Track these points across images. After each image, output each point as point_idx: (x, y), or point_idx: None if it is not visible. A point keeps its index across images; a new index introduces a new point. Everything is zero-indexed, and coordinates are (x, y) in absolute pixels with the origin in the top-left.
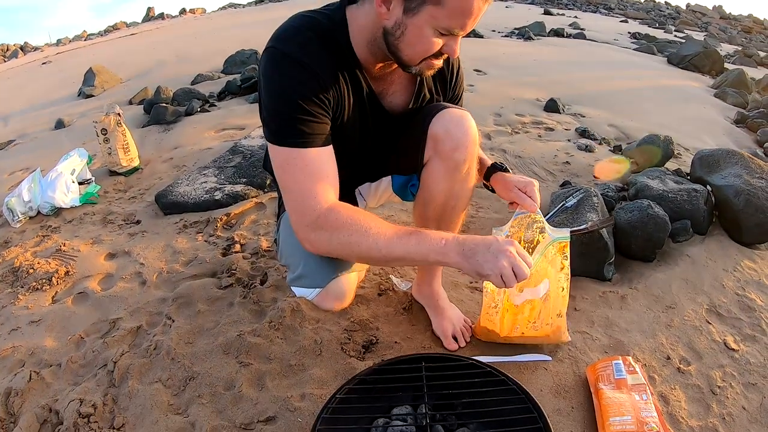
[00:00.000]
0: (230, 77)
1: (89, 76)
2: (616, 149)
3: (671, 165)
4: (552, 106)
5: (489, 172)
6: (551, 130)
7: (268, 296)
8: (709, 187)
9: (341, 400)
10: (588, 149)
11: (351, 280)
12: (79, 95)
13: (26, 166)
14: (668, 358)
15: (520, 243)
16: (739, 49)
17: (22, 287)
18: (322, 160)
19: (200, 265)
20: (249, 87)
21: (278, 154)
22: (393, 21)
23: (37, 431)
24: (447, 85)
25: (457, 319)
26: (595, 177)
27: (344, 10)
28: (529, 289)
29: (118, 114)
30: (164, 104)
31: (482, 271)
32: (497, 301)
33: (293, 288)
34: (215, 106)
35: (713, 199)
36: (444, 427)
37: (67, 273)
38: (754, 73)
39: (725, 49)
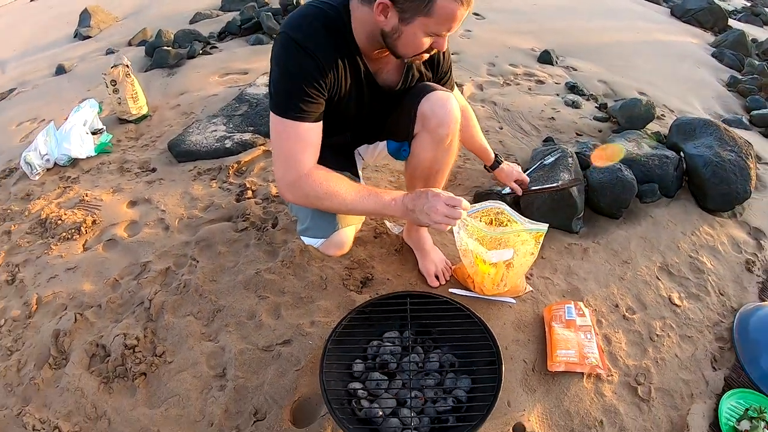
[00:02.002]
0: (229, 15)
1: (84, 17)
2: (602, 107)
3: (653, 126)
4: (546, 58)
5: (495, 165)
6: (542, 83)
7: (280, 238)
8: (682, 154)
9: (345, 326)
10: (575, 105)
11: (349, 232)
12: (75, 37)
13: (33, 117)
14: (616, 305)
15: (491, 223)
16: (748, 5)
17: (53, 237)
18: (311, 133)
19: (217, 211)
20: (249, 28)
21: (277, 122)
22: (390, 27)
23: (87, 364)
24: (434, 64)
25: (440, 261)
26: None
27: (347, 0)
28: (496, 252)
29: (127, 66)
30: (166, 47)
31: (421, 224)
32: (471, 259)
33: (302, 237)
34: (216, 48)
35: (684, 165)
36: (423, 348)
37: (94, 222)
38: (759, 33)
39: (734, 3)
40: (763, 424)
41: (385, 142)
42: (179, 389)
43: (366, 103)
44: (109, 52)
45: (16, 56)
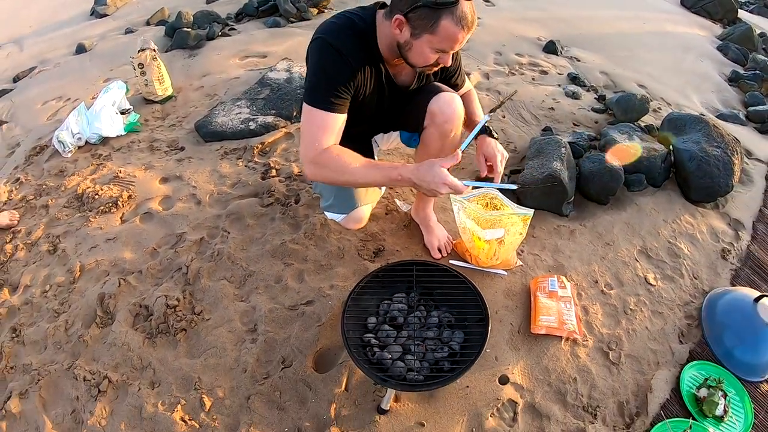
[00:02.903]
0: None
1: None
2: (601, 98)
3: (649, 119)
4: (551, 48)
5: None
6: (545, 73)
7: (302, 213)
8: (671, 147)
9: (361, 288)
10: (574, 96)
11: (366, 209)
12: (91, 14)
13: (58, 95)
14: (596, 281)
15: (486, 206)
16: None
17: (90, 211)
18: (335, 122)
19: (244, 187)
20: (266, 10)
21: (307, 110)
22: (404, 39)
23: (132, 323)
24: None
25: (442, 236)
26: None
27: (375, 14)
28: (489, 230)
29: (153, 50)
30: (186, 29)
31: (427, 193)
32: (469, 236)
33: (325, 212)
34: (234, 29)
35: (672, 158)
36: (425, 307)
37: (129, 197)
38: None
39: None
40: (720, 392)
41: (398, 132)
42: (216, 342)
43: (385, 101)
44: (128, 31)
45: (33, 34)
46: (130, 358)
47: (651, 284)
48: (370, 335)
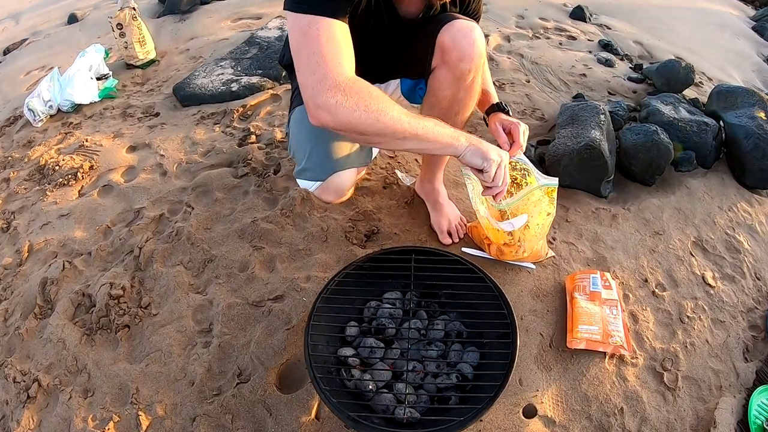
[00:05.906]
0: None
1: None
2: (637, 68)
3: (690, 93)
4: (578, 14)
5: (490, 109)
6: (573, 38)
7: (281, 185)
8: (721, 123)
9: (339, 283)
10: (608, 63)
11: (348, 176)
12: None
13: (42, 65)
14: (646, 280)
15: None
16: None
17: (49, 184)
18: (345, 32)
19: (217, 156)
20: None
21: (300, 20)
22: None
23: (72, 315)
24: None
25: (454, 217)
26: None
27: None
28: (507, 222)
29: (133, 8)
30: None
31: (488, 156)
32: (486, 224)
33: (297, 180)
34: None
35: (723, 135)
36: (427, 313)
37: (91, 167)
38: None
39: None
40: None
41: (398, 81)
42: (162, 344)
43: (384, 31)
44: None
45: (30, 8)
46: (64, 358)
47: (710, 285)
48: (348, 350)
